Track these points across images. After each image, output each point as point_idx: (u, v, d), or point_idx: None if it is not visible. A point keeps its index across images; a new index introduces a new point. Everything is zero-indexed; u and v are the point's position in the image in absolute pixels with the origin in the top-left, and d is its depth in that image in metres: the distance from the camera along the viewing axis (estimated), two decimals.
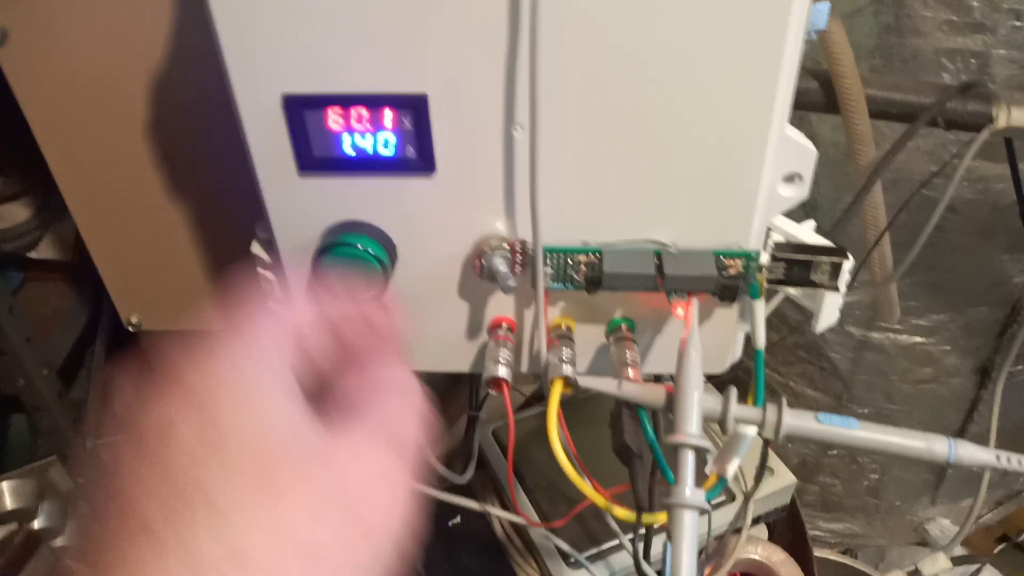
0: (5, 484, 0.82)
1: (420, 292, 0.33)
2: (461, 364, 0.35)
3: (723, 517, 0.66)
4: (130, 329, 0.58)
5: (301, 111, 0.28)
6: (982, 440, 0.82)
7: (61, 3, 0.41)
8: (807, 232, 0.33)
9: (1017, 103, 0.59)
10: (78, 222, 0.51)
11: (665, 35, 0.26)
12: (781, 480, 0.78)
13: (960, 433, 0.98)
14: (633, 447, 0.29)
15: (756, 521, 0.77)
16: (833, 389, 0.99)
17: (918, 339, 0.92)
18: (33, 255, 0.85)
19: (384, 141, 0.29)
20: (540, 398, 0.84)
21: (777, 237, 0.34)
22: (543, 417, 0.31)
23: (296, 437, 0.19)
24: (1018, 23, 0.72)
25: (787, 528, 0.84)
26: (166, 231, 0.50)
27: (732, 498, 0.70)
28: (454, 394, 0.72)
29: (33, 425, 0.84)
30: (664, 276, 0.29)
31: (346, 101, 0.28)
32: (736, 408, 0.28)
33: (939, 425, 0.99)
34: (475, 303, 0.33)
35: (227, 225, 0.49)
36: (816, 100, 0.63)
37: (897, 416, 0.99)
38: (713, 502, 0.31)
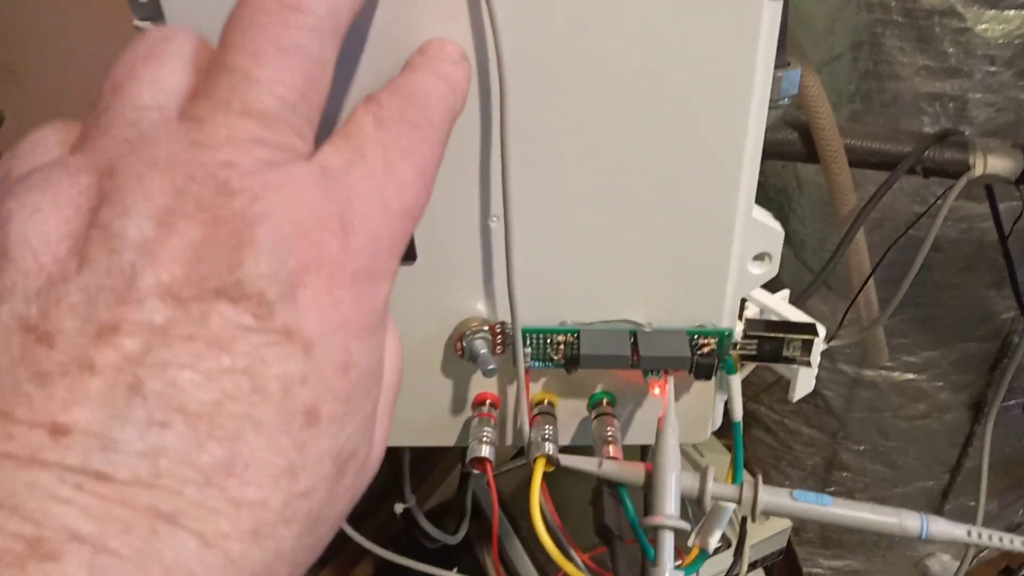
0: None
1: (405, 371, 0.33)
2: (446, 439, 0.36)
3: (719, 564, 0.67)
4: None
5: None
6: (976, 475, 0.82)
7: (55, 89, 0.43)
8: (780, 303, 0.34)
9: (992, 151, 0.61)
10: None
11: (631, 132, 0.27)
12: (777, 524, 0.78)
13: (955, 468, 0.98)
14: (613, 528, 0.30)
15: (753, 566, 0.77)
16: (828, 426, 0.99)
17: (910, 376, 0.93)
18: None
19: None
20: None
21: (752, 308, 0.35)
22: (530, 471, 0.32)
23: None
24: (992, 68, 0.73)
25: (784, 571, 0.84)
26: None
27: (728, 544, 0.70)
28: (440, 449, 0.72)
29: None
30: (640, 356, 0.30)
31: None
32: (713, 486, 0.29)
33: (934, 460, 0.99)
34: (458, 381, 0.34)
35: None
36: (796, 151, 0.65)
37: (893, 452, 1.00)
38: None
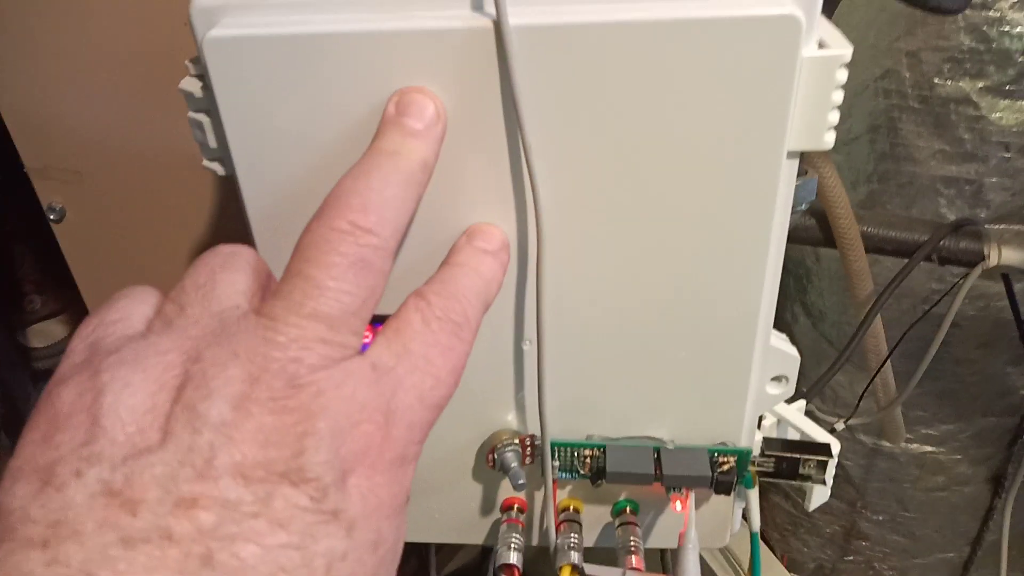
0: None
1: (437, 474, 0.35)
2: (475, 537, 0.38)
3: None
4: None
5: None
6: (997, 549, 0.82)
7: (113, 188, 0.45)
8: (797, 415, 0.36)
9: (1007, 242, 0.62)
10: None
11: (657, 270, 0.30)
12: None
13: (976, 541, 0.97)
14: None
15: None
16: (847, 495, 0.99)
17: (928, 448, 0.93)
18: None
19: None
20: None
21: (770, 418, 0.36)
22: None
23: None
24: (1007, 154, 0.75)
25: None
26: None
27: None
28: None
29: None
30: (663, 474, 0.32)
31: (372, 320, 0.31)
32: None
33: (954, 532, 0.98)
34: (488, 486, 0.36)
35: None
36: (814, 236, 0.67)
37: (912, 523, 0.99)
38: None
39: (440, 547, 0.75)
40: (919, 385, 0.79)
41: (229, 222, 0.45)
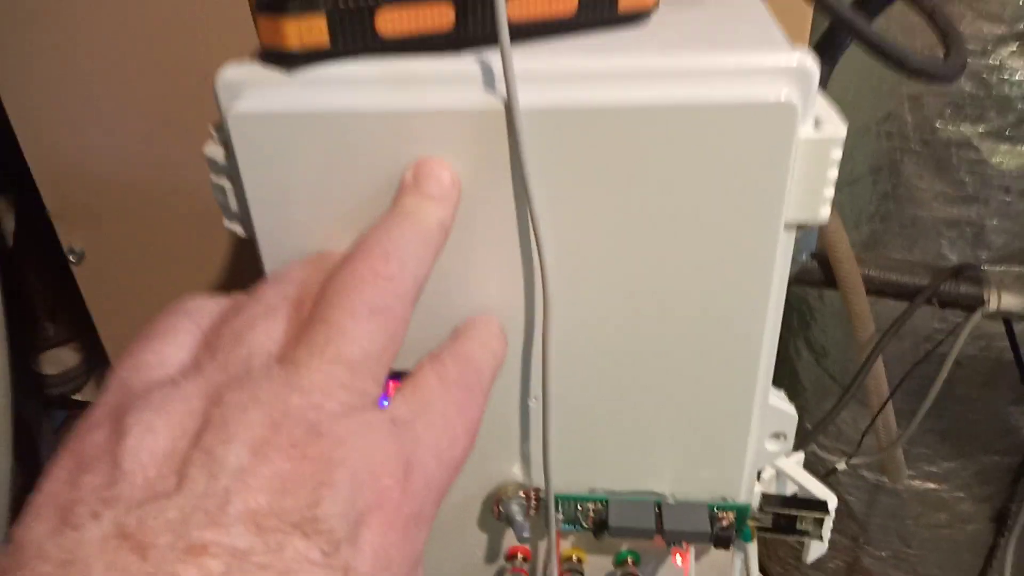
0: None
1: (444, 522, 0.36)
2: None
3: None
4: None
5: None
6: None
7: (130, 230, 0.47)
8: (795, 468, 0.37)
9: (1007, 287, 0.63)
10: None
11: (659, 337, 0.31)
12: None
13: None
14: None
15: None
16: (849, 531, 0.99)
17: (931, 485, 0.93)
18: (78, 397, 0.89)
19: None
20: None
21: (768, 471, 0.37)
22: None
23: None
24: (1008, 197, 0.76)
25: None
26: None
27: None
28: None
29: None
30: (664, 529, 0.33)
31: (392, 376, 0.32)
32: None
33: (957, 570, 0.98)
34: (492, 535, 0.37)
35: None
36: (816, 278, 0.68)
37: (915, 560, 0.99)
38: None
39: None
40: (922, 423, 0.80)
41: (245, 267, 0.47)
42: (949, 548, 0.97)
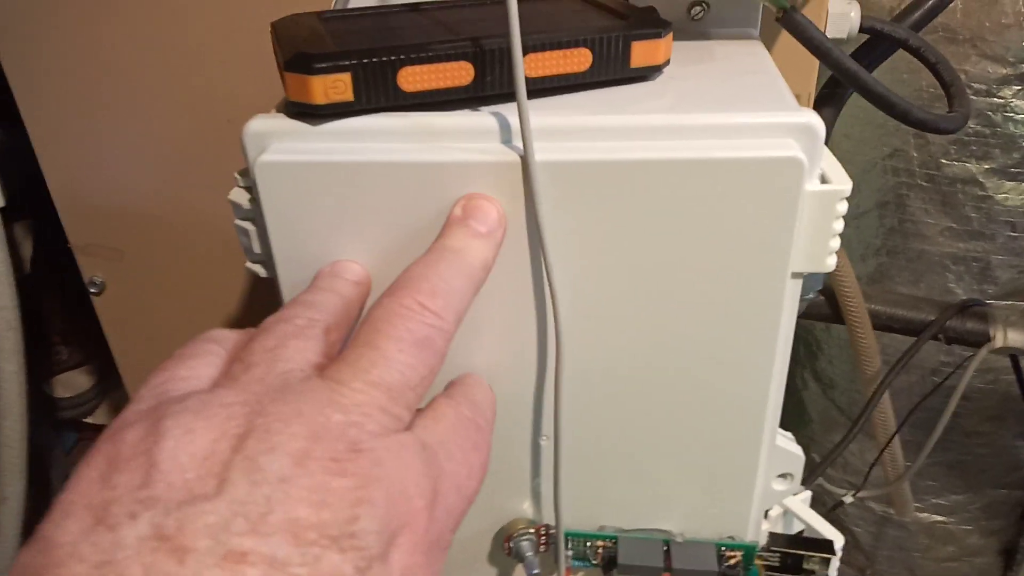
0: None
1: (456, 557, 0.37)
2: None
3: None
4: None
5: None
6: None
7: (151, 262, 0.48)
8: (801, 507, 0.37)
9: (1012, 324, 0.64)
10: None
11: (669, 382, 0.32)
12: None
13: None
14: None
15: None
16: (856, 562, 0.99)
17: (938, 518, 0.93)
18: (90, 420, 0.89)
19: None
20: None
21: (776, 510, 0.38)
22: None
23: None
24: (1014, 233, 0.76)
25: None
26: None
27: None
28: None
29: None
30: (672, 568, 0.33)
31: None
32: None
33: None
34: (503, 570, 0.37)
35: None
36: (823, 313, 0.68)
37: None
38: None
39: None
40: (930, 456, 0.80)
41: (263, 304, 0.48)
42: None
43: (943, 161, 0.76)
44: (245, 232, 0.32)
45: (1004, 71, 0.69)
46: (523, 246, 0.29)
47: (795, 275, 0.30)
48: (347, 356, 0.23)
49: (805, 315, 0.69)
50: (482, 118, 0.28)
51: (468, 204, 0.28)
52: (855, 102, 0.80)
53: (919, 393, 0.76)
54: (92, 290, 0.49)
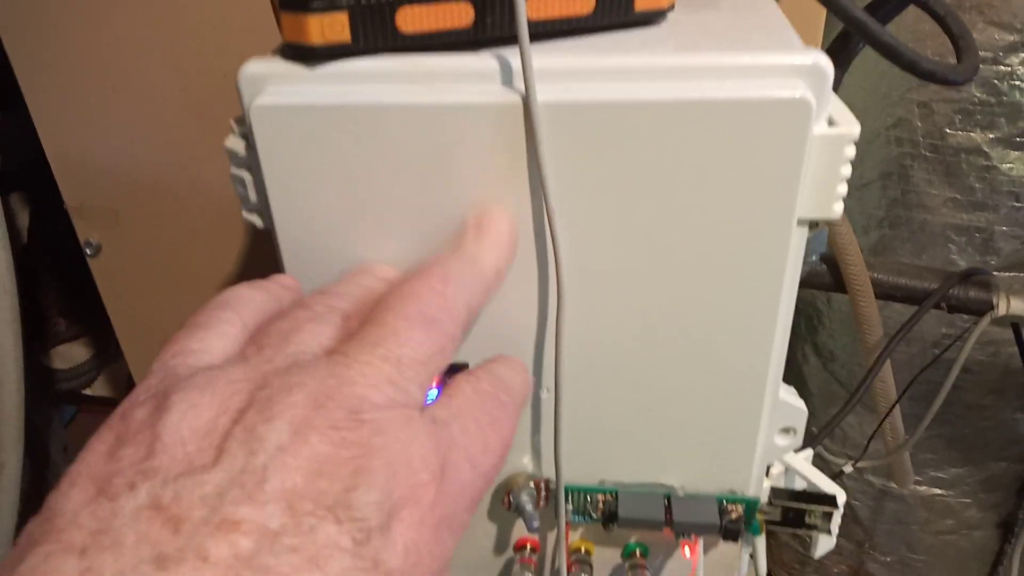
0: None
1: None
2: None
3: None
4: None
5: None
6: None
7: (147, 223, 0.48)
8: (804, 464, 0.37)
9: (1016, 292, 0.63)
10: None
11: (672, 328, 0.31)
12: None
13: None
14: None
15: None
16: (854, 535, 0.99)
17: (938, 491, 0.93)
18: (87, 392, 0.89)
19: (430, 395, 0.34)
20: None
21: (777, 467, 0.37)
22: None
23: None
24: (1018, 204, 0.76)
25: None
26: None
27: None
28: None
29: None
30: (673, 520, 0.33)
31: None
32: None
33: None
34: (502, 526, 0.37)
35: None
36: (825, 282, 0.68)
37: (920, 566, 0.99)
38: None
39: None
40: (929, 428, 0.80)
41: (261, 262, 0.47)
42: (955, 555, 0.97)
43: (947, 131, 0.75)
44: (241, 181, 0.31)
45: (1011, 38, 0.69)
46: (524, 193, 0.29)
47: (801, 223, 0.29)
48: (356, 334, 0.23)
49: (807, 284, 0.69)
50: (483, 60, 0.28)
51: (482, 218, 0.28)
52: (859, 71, 0.79)
53: (920, 366, 0.75)
54: (88, 251, 0.49)
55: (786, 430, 0.34)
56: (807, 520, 0.34)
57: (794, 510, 0.34)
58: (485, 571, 0.39)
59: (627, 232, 0.29)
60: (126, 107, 0.45)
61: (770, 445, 0.34)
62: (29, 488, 0.75)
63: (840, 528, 0.94)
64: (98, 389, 0.90)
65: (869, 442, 0.71)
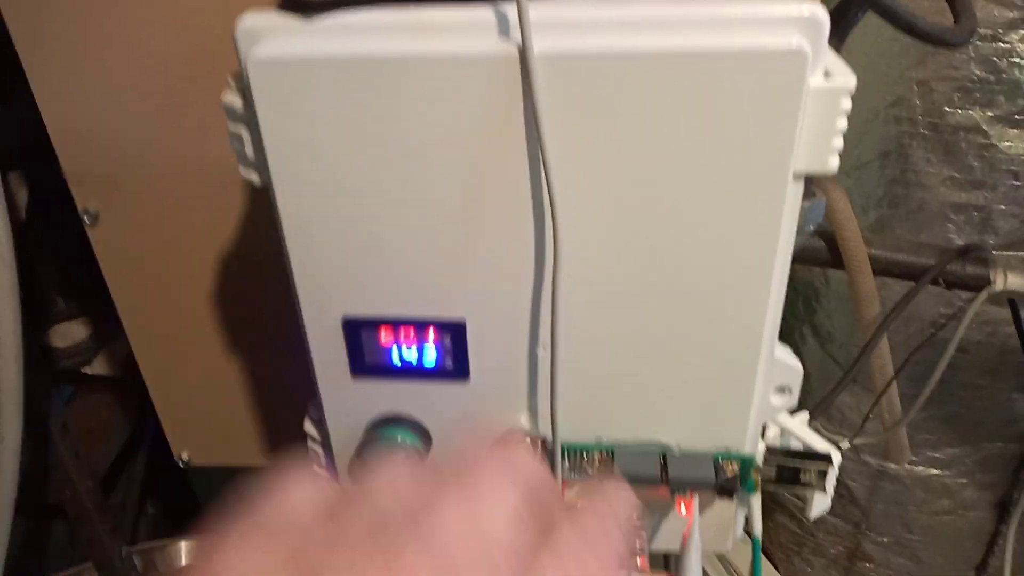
0: None
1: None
2: None
3: None
4: (180, 465, 0.62)
5: (358, 330, 0.33)
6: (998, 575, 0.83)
7: (145, 191, 0.48)
8: (800, 426, 0.37)
9: (1013, 268, 0.63)
10: (144, 373, 0.56)
11: (668, 282, 0.31)
12: None
13: (981, 567, 0.98)
14: None
15: None
16: (851, 516, 1.00)
17: (934, 471, 0.93)
18: (86, 371, 0.89)
19: (427, 354, 0.34)
20: None
21: (773, 428, 0.38)
22: None
23: None
24: (1016, 182, 0.76)
25: None
26: (222, 377, 0.55)
27: None
28: None
29: (72, 531, 0.87)
30: (668, 476, 0.33)
31: (397, 323, 0.33)
32: None
33: (959, 557, 0.99)
34: None
35: (278, 372, 0.54)
36: (823, 257, 0.68)
37: (917, 546, 0.99)
38: None
39: None
40: (926, 409, 0.80)
41: (260, 229, 0.47)
42: (951, 535, 0.98)
43: (946, 109, 0.75)
44: (239, 137, 0.31)
45: (1011, 15, 0.69)
46: (520, 145, 0.29)
47: (797, 176, 0.29)
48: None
49: (805, 259, 0.69)
50: (480, 11, 0.28)
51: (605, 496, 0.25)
52: (858, 49, 0.79)
53: (918, 345, 0.75)
54: (86, 220, 0.49)
55: (781, 389, 0.35)
56: (802, 478, 0.34)
57: (789, 468, 0.34)
58: None
59: (623, 185, 0.29)
60: (125, 73, 0.45)
61: (765, 404, 0.34)
62: (29, 465, 0.75)
63: (836, 509, 0.94)
64: (97, 367, 0.90)
65: (866, 418, 0.71)
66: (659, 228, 0.30)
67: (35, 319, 0.78)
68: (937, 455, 0.92)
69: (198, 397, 0.57)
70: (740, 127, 0.27)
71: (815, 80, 0.27)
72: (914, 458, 0.92)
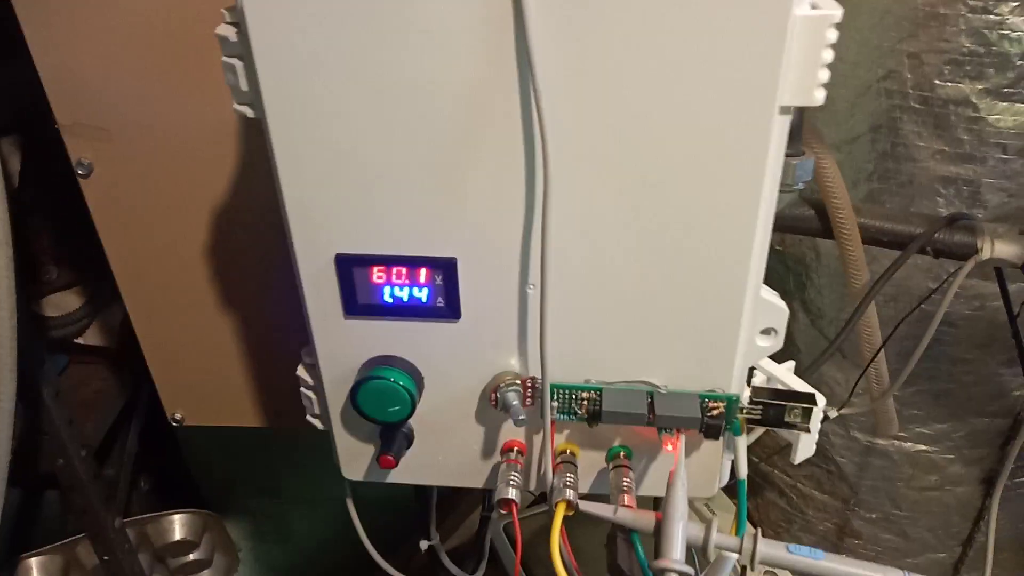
0: (34, 561, 0.84)
1: (442, 418, 0.37)
2: (476, 480, 0.40)
3: None
4: (173, 424, 0.62)
5: (350, 268, 0.34)
6: (984, 550, 0.83)
7: (140, 144, 0.48)
8: (786, 373, 0.38)
9: (1000, 237, 0.64)
10: (137, 330, 0.56)
11: (654, 221, 0.32)
12: None
13: (967, 542, 0.98)
14: (625, 569, 0.33)
15: None
16: (840, 492, 1.00)
17: (922, 447, 0.94)
18: (80, 340, 0.89)
19: (419, 293, 0.34)
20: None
21: (760, 376, 0.38)
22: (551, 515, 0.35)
23: None
24: (1005, 156, 0.76)
25: None
26: (215, 335, 0.55)
27: None
28: (465, 491, 0.75)
29: (65, 502, 0.87)
30: (655, 415, 0.34)
31: (389, 261, 0.33)
32: (717, 537, 0.32)
33: (946, 532, 0.99)
34: (489, 428, 0.38)
35: (272, 329, 0.54)
36: (813, 227, 0.68)
37: (904, 522, 1.00)
38: None
39: (441, 520, 0.77)
40: (915, 383, 0.80)
41: (253, 182, 0.47)
42: (938, 511, 0.98)
43: (937, 82, 0.76)
44: (232, 69, 0.31)
45: None
46: (512, 77, 0.29)
47: (783, 110, 0.30)
48: None
49: (795, 229, 0.69)
50: None
51: None
52: (850, 24, 0.79)
53: (909, 321, 0.76)
54: (79, 172, 0.49)
55: (767, 331, 0.35)
56: (787, 418, 0.34)
57: (774, 407, 0.34)
58: (473, 476, 0.40)
59: (612, 121, 0.30)
60: (119, 24, 0.45)
61: (751, 345, 0.35)
62: (23, 434, 0.75)
63: (826, 486, 0.94)
64: (90, 337, 0.89)
65: (854, 388, 0.72)
66: (648, 162, 0.30)
67: (28, 289, 0.78)
68: (925, 431, 0.93)
69: (192, 355, 0.57)
70: (726, 56, 0.28)
71: (801, 9, 0.28)
72: (902, 434, 0.93)
